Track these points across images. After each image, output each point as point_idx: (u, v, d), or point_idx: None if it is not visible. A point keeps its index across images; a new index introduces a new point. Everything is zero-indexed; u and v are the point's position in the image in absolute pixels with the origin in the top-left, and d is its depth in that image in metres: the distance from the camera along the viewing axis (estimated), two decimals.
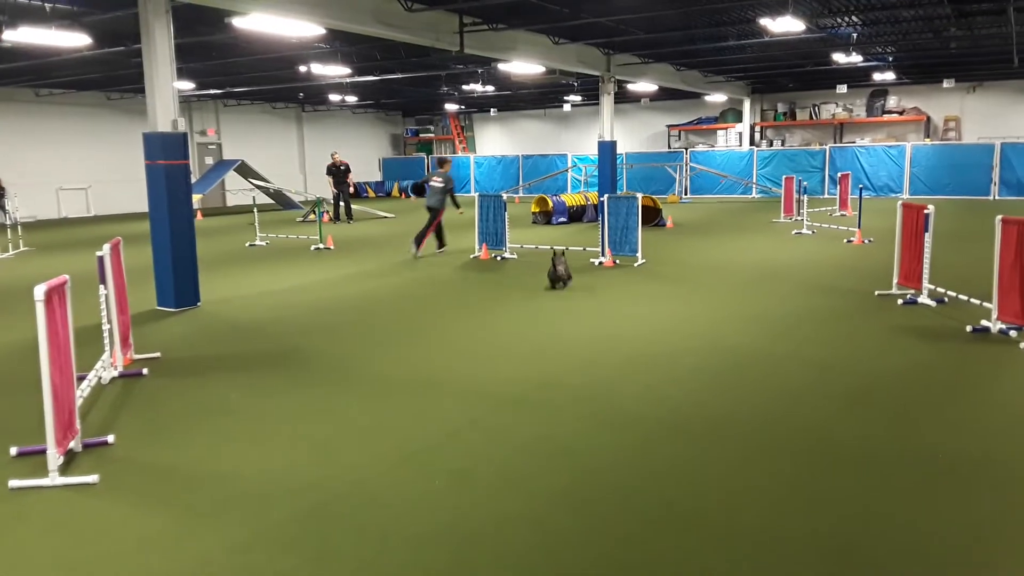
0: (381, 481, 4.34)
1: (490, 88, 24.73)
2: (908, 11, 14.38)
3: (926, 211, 8.49)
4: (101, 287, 6.32)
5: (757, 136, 28.95)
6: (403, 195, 32.20)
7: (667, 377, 6.19)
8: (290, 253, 14.56)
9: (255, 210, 17.63)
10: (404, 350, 7.25)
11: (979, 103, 25.64)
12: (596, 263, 12.10)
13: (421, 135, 36.33)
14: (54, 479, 4.34)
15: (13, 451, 4.76)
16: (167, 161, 9.27)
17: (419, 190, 12.95)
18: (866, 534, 3.63)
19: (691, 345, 7.15)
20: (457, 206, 13.53)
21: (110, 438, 4.98)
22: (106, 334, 6.39)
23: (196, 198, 21.40)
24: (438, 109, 33.79)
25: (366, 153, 34.73)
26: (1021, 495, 4.04)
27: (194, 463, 4.67)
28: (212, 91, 24.06)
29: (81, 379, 5.68)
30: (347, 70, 18.94)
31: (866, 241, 14.04)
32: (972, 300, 8.38)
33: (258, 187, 24.72)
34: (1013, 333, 7.13)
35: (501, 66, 17.98)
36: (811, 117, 28.02)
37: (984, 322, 7.45)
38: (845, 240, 14.39)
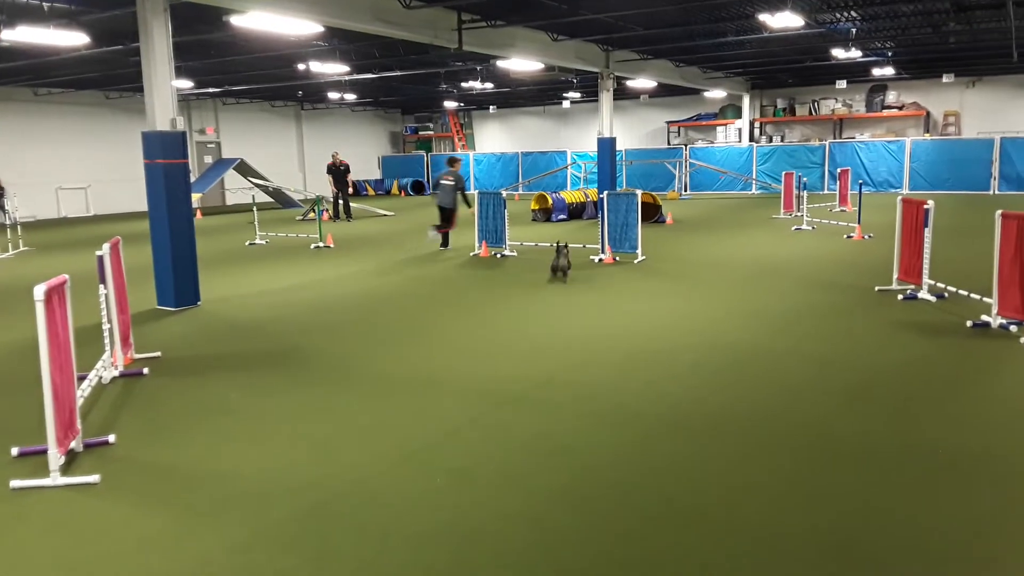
0: (381, 480, 4.34)
1: (489, 85, 24.71)
2: (907, 6, 14.36)
3: (926, 206, 8.48)
4: (101, 287, 6.32)
5: (756, 132, 28.94)
6: (402, 193, 32.20)
7: (667, 374, 6.19)
8: (290, 252, 14.56)
9: (254, 209, 17.62)
10: (404, 348, 7.25)
11: (978, 98, 25.62)
12: (596, 260, 12.10)
13: (420, 133, 36.33)
14: (55, 479, 4.35)
15: (14, 451, 4.76)
16: (166, 160, 9.26)
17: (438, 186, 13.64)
18: (866, 530, 3.63)
19: (691, 341, 7.15)
20: (469, 205, 13.72)
21: (111, 438, 4.98)
22: (106, 334, 6.39)
23: (195, 197, 21.40)
24: (437, 107, 33.78)
25: (365, 151, 34.71)
26: (1022, 490, 4.04)
27: (194, 462, 4.67)
28: (211, 90, 24.06)
29: (82, 379, 5.69)
30: (346, 68, 18.93)
31: (866, 237, 14.04)
32: (972, 295, 8.39)
33: (257, 186, 24.71)
34: (1013, 328, 7.13)
35: (500, 63, 17.98)
36: (810, 113, 28.02)
37: (984, 317, 7.45)
38: (845, 236, 14.39)
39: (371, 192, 32.78)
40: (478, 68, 21.03)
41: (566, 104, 31.91)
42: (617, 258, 12.16)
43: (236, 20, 11.35)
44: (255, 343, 7.69)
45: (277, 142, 31.07)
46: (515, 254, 13.05)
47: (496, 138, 35.12)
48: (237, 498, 4.13)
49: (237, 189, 27.73)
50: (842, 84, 25.42)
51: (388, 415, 5.41)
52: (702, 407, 5.40)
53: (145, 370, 6.61)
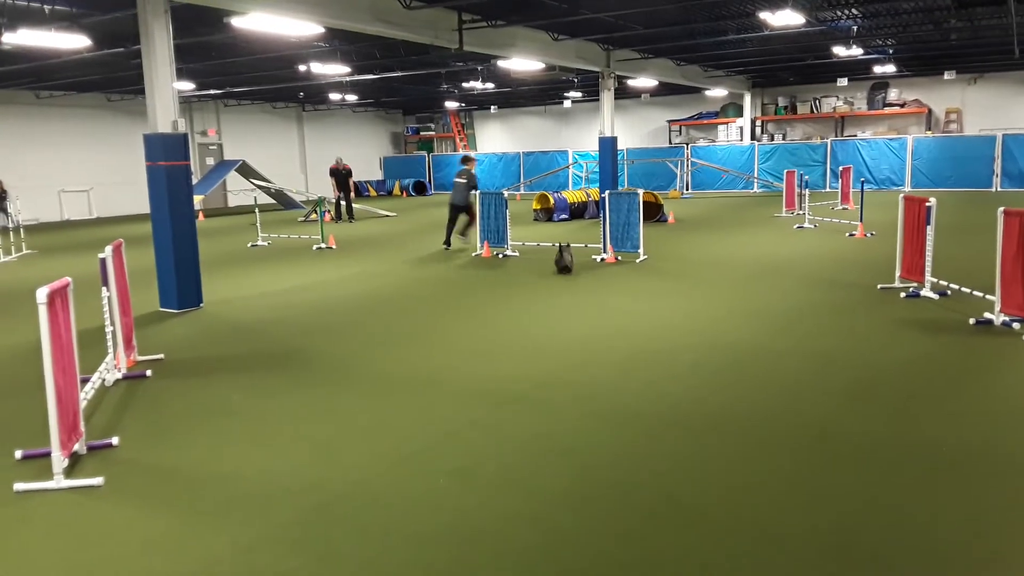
0: (383, 481, 4.35)
1: (490, 85, 24.72)
2: (908, 3, 14.35)
3: (928, 204, 8.47)
4: (104, 289, 6.33)
5: (758, 130, 28.91)
6: (404, 193, 32.23)
7: (667, 373, 6.19)
8: (292, 253, 14.58)
9: (256, 210, 17.65)
10: (405, 349, 7.26)
11: (980, 95, 25.57)
12: (598, 259, 12.11)
13: (422, 133, 36.35)
14: (59, 482, 4.36)
15: (18, 454, 4.78)
16: (168, 162, 9.28)
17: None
18: (867, 528, 3.64)
19: (692, 341, 7.16)
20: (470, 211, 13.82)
21: (114, 440, 5.00)
22: (109, 336, 6.41)
23: (197, 199, 21.39)
24: (438, 107, 33.80)
25: (367, 152, 34.74)
26: None
27: (197, 464, 4.69)
28: (212, 91, 24.10)
29: (85, 381, 5.70)
30: (347, 69, 18.95)
31: (868, 235, 14.02)
32: (975, 293, 8.37)
33: (259, 187, 24.75)
34: (1016, 325, 7.13)
35: (501, 63, 17.99)
36: (812, 111, 27.98)
37: (987, 314, 7.44)
38: (847, 234, 14.37)
39: (373, 193, 32.81)
40: (479, 68, 21.04)
41: (567, 104, 31.91)
42: (619, 258, 12.16)
43: (237, 22, 11.37)
44: (257, 344, 7.70)
45: (279, 143, 31.11)
46: (517, 254, 13.06)
47: (497, 138, 35.13)
48: (240, 500, 4.15)
49: (239, 191, 27.76)
50: (843, 82, 25.39)
51: (389, 415, 5.42)
52: (702, 407, 5.40)
53: (148, 372, 6.62)
